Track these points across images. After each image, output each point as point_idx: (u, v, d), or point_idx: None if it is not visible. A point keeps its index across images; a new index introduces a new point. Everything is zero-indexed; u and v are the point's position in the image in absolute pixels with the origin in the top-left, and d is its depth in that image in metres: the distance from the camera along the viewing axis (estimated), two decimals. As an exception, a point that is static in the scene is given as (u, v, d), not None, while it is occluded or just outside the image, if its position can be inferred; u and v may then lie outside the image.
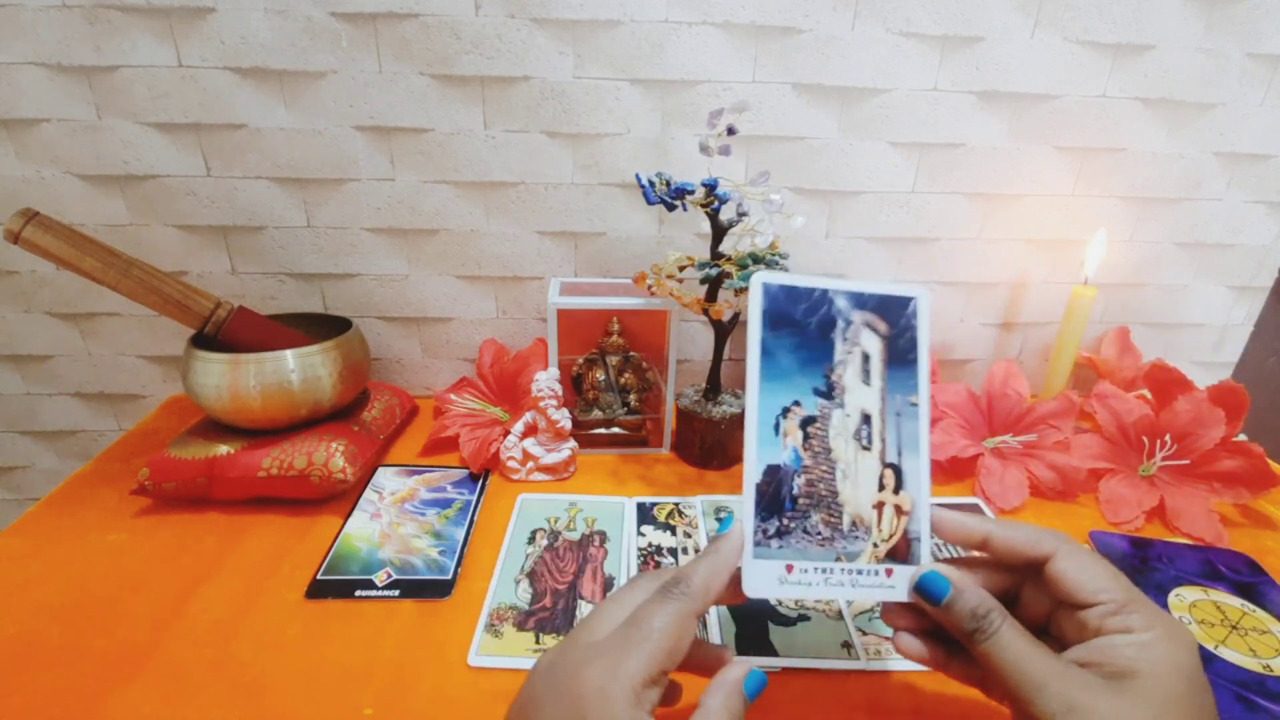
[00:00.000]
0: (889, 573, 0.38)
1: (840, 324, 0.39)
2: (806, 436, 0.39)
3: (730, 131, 0.55)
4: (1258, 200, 0.75)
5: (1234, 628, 0.48)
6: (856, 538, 0.38)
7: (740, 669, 0.33)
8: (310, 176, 0.67)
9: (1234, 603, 0.51)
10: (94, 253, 0.53)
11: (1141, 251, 0.77)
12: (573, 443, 0.65)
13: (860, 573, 0.38)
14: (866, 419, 0.39)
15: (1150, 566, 0.54)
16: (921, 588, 0.36)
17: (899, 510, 0.38)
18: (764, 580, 0.37)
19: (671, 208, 0.57)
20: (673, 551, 0.55)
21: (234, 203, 0.68)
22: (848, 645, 0.46)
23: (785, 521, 0.38)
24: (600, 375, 0.70)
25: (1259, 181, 0.74)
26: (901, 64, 0.66)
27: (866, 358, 0.39)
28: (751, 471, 0.38)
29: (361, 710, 0.41)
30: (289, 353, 0.59)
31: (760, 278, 0.38)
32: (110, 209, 0.67)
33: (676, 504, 0.60)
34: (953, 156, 0.70)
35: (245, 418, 0.58)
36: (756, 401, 0.39)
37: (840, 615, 0.49)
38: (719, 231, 0.59)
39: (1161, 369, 0.66)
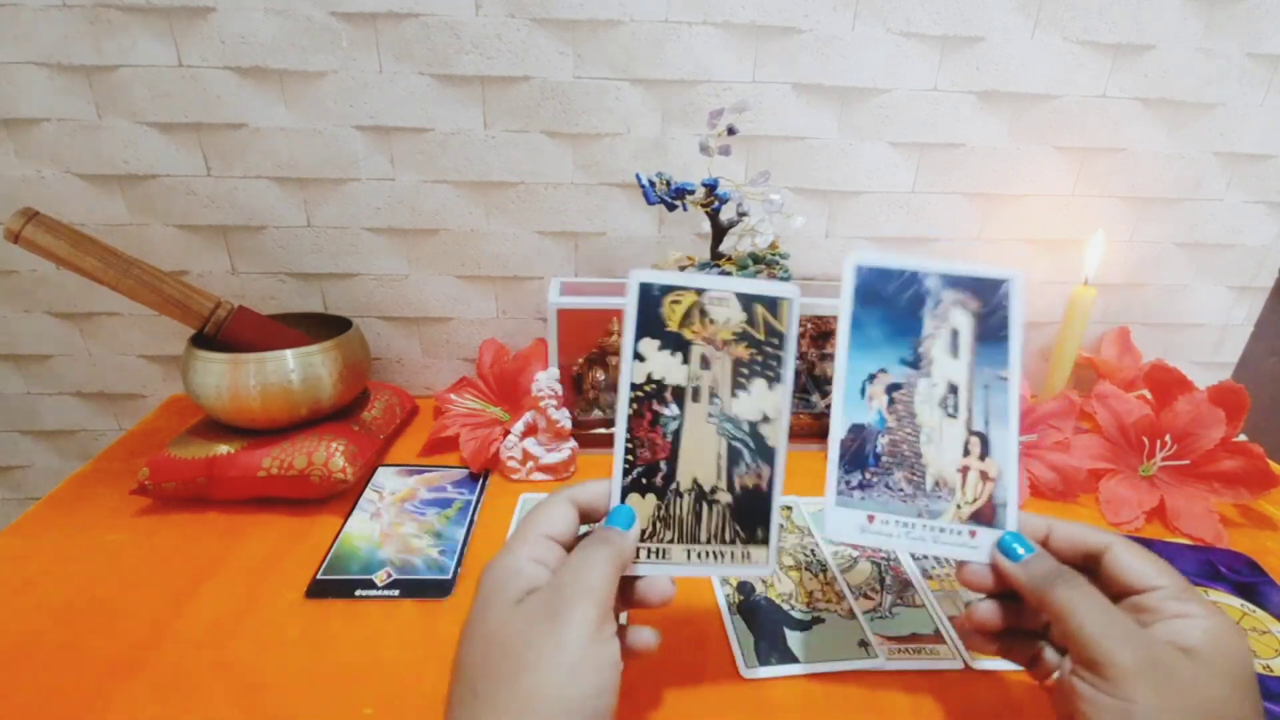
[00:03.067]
0: (973, 534, 0.38)
1: (930, 302, 0.40)
2: (892, 401, 0.40)
3: (730, 131, 0.55)
4: (1258, 200, 0.75)
5: (1234, 628, 0.48)
6: (939, 497, 0.39)
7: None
8: (310, 176, 0.67)
9: (1234, 603, 0.51)
10: (94, 252, 0.53)
11: (1141, 251, 0.77)
12: (573, 443, 0.65)
13: (943, 530, 0.39)
14: (953, 389, 0.40)
15: (1150, 566, 0.54)
16: (1004, 546, 0.37)
17: (984, 476, 0.39)
18: (845, 526, 0.39)
19: (672, 208, 0.57)
20: (679, 396, 0.38)
21: (234, 202, 0.68)
22: (864, 644, 0.46)
23: (868, 475, 0.39)
24: (600, 375, 0.70)
25: (1259, 181, 0.74)
26: (901, 64, 0.66)
27: (955, 333, 0.40)
28: (837, 428, 0.39)
29: (361, 710, 0.41)
30: (289, 352, 0.59)
31: (853, 259, 0.40)
32: (110, 209, 0.67)
33: (699, 294, 0.38)
34: (953, 156, 0.70)
35: (245, 417, 0.58)
36: (845, 366, 0.40)
37: (852, 614, 0.49)
38: (719, 231, 0.59)
39: (1161, 369, 0.66)
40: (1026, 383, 0.69)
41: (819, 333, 0.72)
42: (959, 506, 0.39)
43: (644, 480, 0.38)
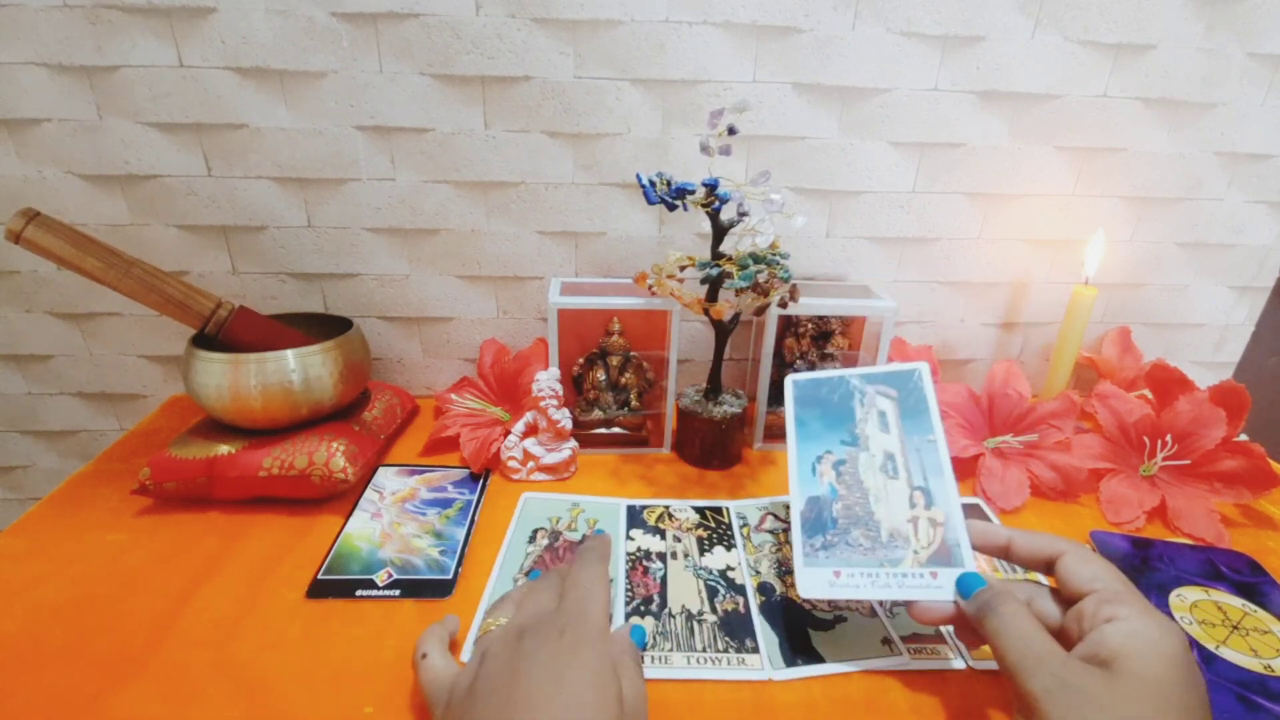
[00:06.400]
0: (934, 575, 0.42)
1: (858, 395, 0.50)
2: (840, 474, 0.47)
3: (731, 131, 0.55)
4: (1258, 200, 0.74)
5: (1235, 628, 0.48)
6: (896, 547, 0.43)
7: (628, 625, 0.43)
8: (311, 176, 0.67)
9: (1235, 603, 0.51)
10: (95, 253, 0.53)
11: (1142, 251, 0.77)
12: (573, 442, 0.65)
13: (906, 575, 0.42)
14: (890, 456, 0.47)
15: (1151, 567, 0.54)
16: (959, 583, 0.40)
17: (933, 522, 0.43)
18: (815, 583, 0.44)
19: (672, 208, 0.57)
20: (661, 556, 0.53)
21: (235, 203, 0.68)
22: (888, 641, 0.46)
23: (829, 537, 0.46)
24: (600, 375, 0.70)
25: (1260, 181, 0.74)
26: (902, 64, 0.66)
27: (883, 414, 0.48)
28: (796, 502, 0.47)
29: (361, 710, 0.41)
30: (290, 353, 0.59)
31: (790, 378, 0.53)
32: (111, 209, 0.68)
33: (667, 507, 0.60)
34: (953, 156, 0.70)
35: (246, 418, 0.58)
36: (795, 453, 0.49)
37: (873, 612, 0.49)
38: (719, 231, 0.59)
39: (1162, 369, 0.66)
40: (1026, 384, 0.69)
41: (819, 333, 0.72)
42: (915, 552, 0.43)
43: (642, 608, 0.48)
